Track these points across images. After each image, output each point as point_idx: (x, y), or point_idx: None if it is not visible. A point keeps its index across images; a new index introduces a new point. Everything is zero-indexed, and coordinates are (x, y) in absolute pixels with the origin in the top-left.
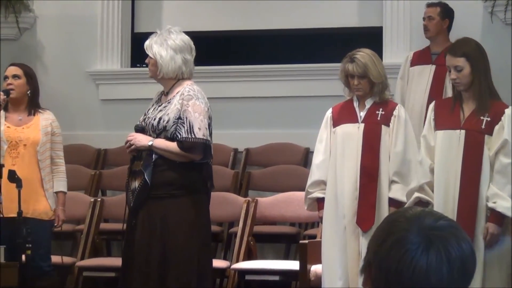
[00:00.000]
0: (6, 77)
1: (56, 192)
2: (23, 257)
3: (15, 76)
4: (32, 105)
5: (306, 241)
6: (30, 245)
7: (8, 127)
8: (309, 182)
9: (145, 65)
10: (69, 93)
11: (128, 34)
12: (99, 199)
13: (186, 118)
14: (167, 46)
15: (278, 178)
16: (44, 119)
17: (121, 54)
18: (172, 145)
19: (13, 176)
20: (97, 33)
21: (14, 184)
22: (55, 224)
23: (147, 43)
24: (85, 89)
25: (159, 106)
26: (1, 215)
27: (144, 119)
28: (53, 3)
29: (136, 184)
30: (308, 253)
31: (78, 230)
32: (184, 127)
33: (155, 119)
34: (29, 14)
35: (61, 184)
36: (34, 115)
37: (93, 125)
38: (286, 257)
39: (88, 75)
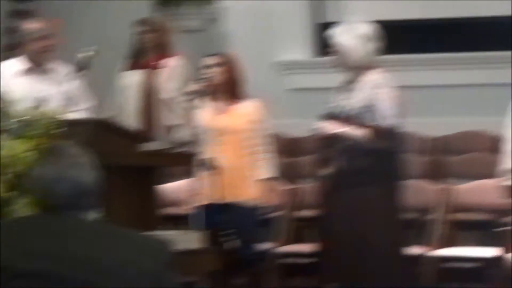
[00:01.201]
0: (205, 66)
1: (261, 179)
2: (229, 243)
3: (213, 65)
4: (235, 93)
5: (507, 228)
6: (235, 231)
7: (213, 115)
8: (502, 169)
9: (331, 55)
10: (257, 82)
11: (314, 23)
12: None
13: (378, 105)
14: (354, 35)
15: (472, 165)
16: (247, 107)
17: (308, 44)
18: (364, 132)
19: (211, 164)
20: (284, 23)
21: (219, 171)
22: (263, 210)
23: (333, 33)
24: (272, 78)
25: (349, 94)
26: (207, 202)
27: (334, 107)
28: None
29: (328, 171)
30: (507, 240)
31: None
32: (375, 114)
33: (346, 107)
34: (216, 5)
35: (265, 171)
36: (237, 103)
37: (281, 114)
38: (483, 244)
39: (276, 65)
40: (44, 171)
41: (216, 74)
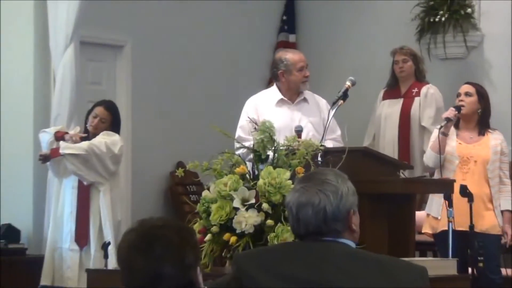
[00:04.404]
0: (458, 94)
1: (502, 211)
2: (475, 269)
3: (467, 94)
4: (483, 124)
5: None
6: (482, 258)
7: (459, 143)
8: None
9: None
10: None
11: None
12: None
13: None
14: None
15: None
16: (494, 139)
17: None
18: None
19: (464, 191)
20: None
21: (466, 199)
22: (504, 241)
23: None
24: None
25: None
26: (453, 228)
27: None
28: (500, 21)
29: None
30: None
31: None
32: None
33: None
34: (476, 32)
35: (507, 203)
36: (484, 134)
37: None
38: None
39: None
40: (293, 198)
41: (464, 102)
